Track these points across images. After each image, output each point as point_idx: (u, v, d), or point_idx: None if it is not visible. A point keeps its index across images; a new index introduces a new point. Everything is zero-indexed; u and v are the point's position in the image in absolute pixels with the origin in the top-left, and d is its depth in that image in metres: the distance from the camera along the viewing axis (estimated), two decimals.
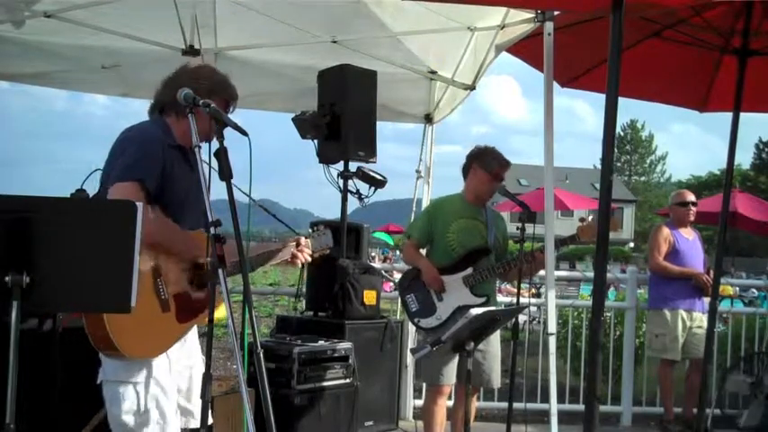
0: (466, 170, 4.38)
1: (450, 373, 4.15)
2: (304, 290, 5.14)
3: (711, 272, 5.49)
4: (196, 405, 2.75)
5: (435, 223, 4.32)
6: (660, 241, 5.86)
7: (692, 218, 5.97)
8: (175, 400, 2.69)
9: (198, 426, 2.73)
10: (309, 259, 3.17)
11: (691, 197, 6.00)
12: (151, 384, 2.60)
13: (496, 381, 4.35)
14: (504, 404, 4.69)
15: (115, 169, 2.61)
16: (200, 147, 2.50)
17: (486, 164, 4.28)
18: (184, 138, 2.74)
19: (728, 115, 4.21)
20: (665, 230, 5.91)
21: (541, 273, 4.34)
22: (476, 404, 4.45)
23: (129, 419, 2.57)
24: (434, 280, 4.21)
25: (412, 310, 4.29)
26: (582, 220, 4.21)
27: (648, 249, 6.11)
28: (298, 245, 3.12)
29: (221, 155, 2.42)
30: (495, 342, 4.29)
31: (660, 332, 5.79)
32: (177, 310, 2.67)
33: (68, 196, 2.54)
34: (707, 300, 5.54)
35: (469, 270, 4.21)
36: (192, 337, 2.89)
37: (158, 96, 2.84)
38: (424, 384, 4.70)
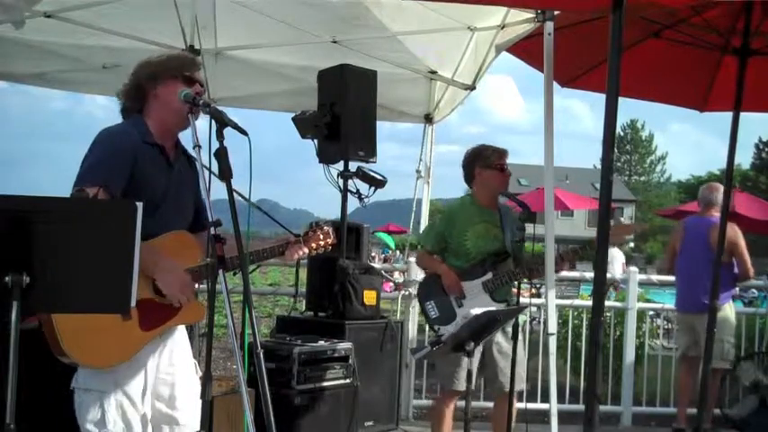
0: (469, 176, 4.32)
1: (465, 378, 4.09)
2: (304, 290, 5.13)
3: None
4: (180, 410, 2.72)
5: (450, 230, 4.25)
6: None
7: None
8: (145, 411, 2.63)
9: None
10: (305, 254, 3.03)
11: None
12: (119, 395, 2.56)
13: (521, 382, 4.21)
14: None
15: (80, 171, 2.57)
16: (200, 147, 2.49)
17: (486, 162, 4.24)
18: (162, 133, 2.72)
19: (728, 115, 4.20)
20: None
21: None
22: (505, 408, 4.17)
23: (93, 428, 2.54)
24: (454, 284, 4.14)
25: (432, 317, 4.22)
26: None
27: (746, 255, 5.64)
28: (296, 242, 3.00)
29: (221, 155, 2.42)
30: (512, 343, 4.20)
31: (735, 341, 5.63)
32: (141, 318, 2.58)
33: (68, 196, 2.54)
34: None
35: (489, 275, 4.15)
36: (180, 342, 2.80)
37: (125, 102, 2.80)
38: (440, 386, 4.64)
